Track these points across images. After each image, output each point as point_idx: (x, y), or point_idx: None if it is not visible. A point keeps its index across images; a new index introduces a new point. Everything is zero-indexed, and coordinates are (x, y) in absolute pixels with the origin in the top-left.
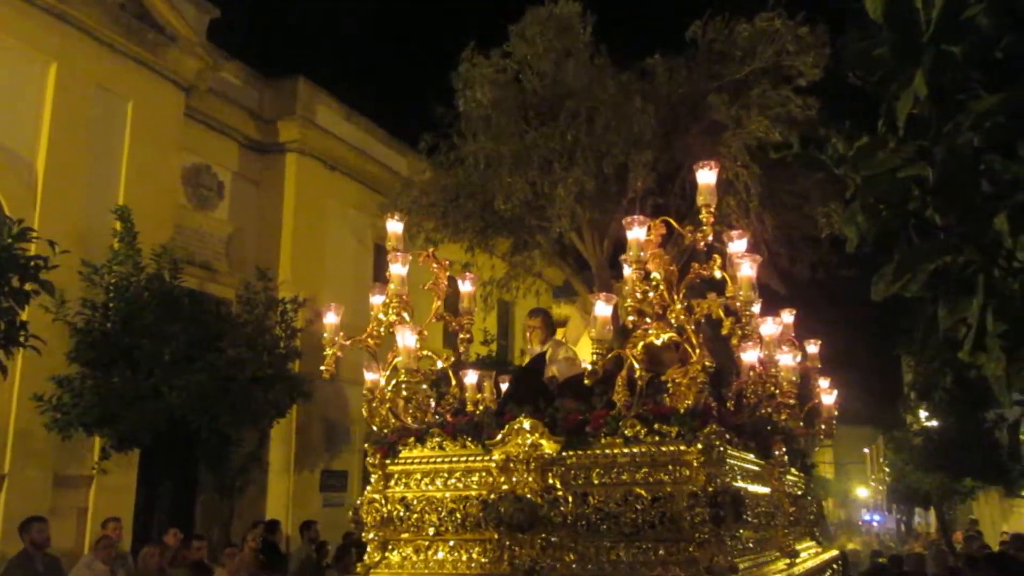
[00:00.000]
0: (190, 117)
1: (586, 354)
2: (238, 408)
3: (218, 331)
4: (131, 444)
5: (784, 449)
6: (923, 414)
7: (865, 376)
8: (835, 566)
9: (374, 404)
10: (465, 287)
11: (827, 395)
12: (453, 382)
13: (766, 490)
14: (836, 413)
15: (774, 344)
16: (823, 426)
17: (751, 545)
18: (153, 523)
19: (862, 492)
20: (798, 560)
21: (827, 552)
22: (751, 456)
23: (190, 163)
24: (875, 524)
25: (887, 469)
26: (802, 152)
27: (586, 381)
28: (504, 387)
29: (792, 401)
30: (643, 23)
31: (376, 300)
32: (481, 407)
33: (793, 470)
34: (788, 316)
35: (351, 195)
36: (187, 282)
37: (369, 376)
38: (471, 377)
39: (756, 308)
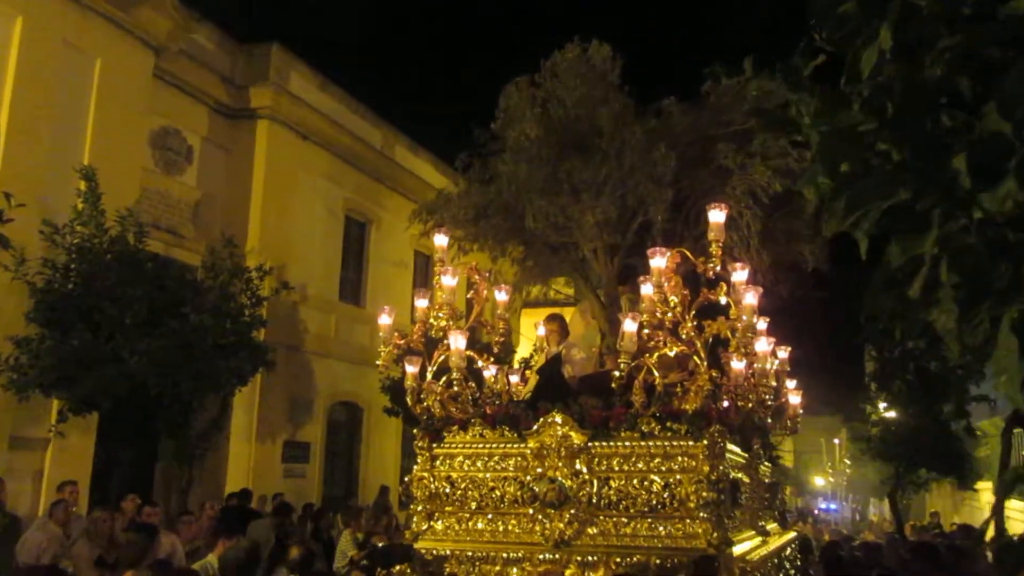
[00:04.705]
0: (160, 79)
1: (585, 350)
2: (200, 375)
3: (182, 297)
4: (89, 407)
5: (759, 443)
6: (882, 405)
7: (829, 369)
8: (794, 545)
9: (421, 395)
10: (500, 296)
11: (794, 395)
12: (490, 379)
13: (747, 479)
14: (801, 412)
15: (766, 358)
16: (789, 422)
17: (737, 524)
18: (111, 488)
19: (819, 481)
20: (769, 538)
21: (788, 533)
22: (738, 450)
23: (158, 126)
24: (830, 513)
25: (847, 461)
26: (755, 105)
27: (613, 385)
28: (513, 379)
29: (770, 403)
30: (660, 63)
31: (421, 304)
32: (504, 397)
33: (765, 461)
34: (762, 323)
35: (323, 165)
36: (152, 246)
37: (409, 369)
38: (490, 370)
39: (762, 326)
